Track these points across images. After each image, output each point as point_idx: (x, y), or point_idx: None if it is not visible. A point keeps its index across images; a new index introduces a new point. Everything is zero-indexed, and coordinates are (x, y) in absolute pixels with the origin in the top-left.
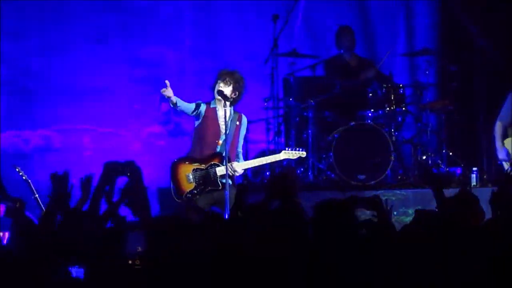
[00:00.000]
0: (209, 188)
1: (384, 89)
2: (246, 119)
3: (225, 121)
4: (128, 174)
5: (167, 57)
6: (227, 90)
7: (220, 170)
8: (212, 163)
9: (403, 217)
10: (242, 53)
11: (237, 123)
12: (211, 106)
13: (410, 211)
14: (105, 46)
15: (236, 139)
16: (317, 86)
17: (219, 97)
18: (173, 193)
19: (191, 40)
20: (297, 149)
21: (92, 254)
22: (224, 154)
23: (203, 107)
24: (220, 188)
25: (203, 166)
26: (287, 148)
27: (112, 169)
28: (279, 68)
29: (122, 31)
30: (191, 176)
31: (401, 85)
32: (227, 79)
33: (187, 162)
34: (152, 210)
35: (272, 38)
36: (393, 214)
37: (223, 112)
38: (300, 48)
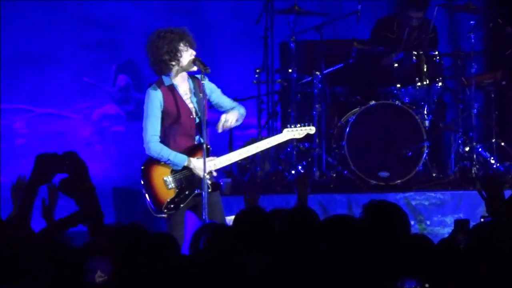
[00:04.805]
0: (196, 192)
1: (414, 58)
2: (206, 78)
3: (203, 98)
4: (67, 169)
5: (130, 15)
6: (192, 56)
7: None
8: (196, 158)
9: (438, 228)
10: (228, 10)
11: (200, 94)
12: (166, 84)
13: (449, 220)
14: (47, 2)
15: (205, 115)
16: (325, 53)
17: (195, 68)
18: (150, 207)
19: None
20: (303, 124)
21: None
22: (204, 143)
23: (158, 94)
24: (210, 190)
25: None
26: (289, 126)
27: (47, 164)
28: (276, 30)
29: None
30: (170, 180)
31: (437, 53)
32: (188, 41)
33: (162, 162)
34: (105, 216)
35: None
36: (426, 224)
37: (186, 85)
38: (303, 2)
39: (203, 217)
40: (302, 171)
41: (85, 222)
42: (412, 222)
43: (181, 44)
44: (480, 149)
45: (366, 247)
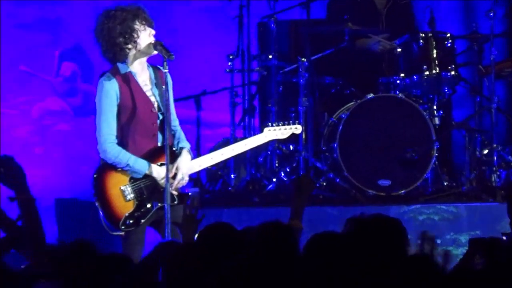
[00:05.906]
0: (160, 205)
1: (421, 41)
2: (167, 68)
3: (167, 88)
4: (1, 177)
5: None
6: (152, 36)
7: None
8: (159, 163)
9: (451, 247)
10: None
11: (163, 86)
12: (122, 72)
13: (463, 238)
14: None
15: (169, 111)
16: (313, 36)
17: (156, 52)
18: (104, 223)
19: None
20: (287, 122)
21: None
22: (172, 147)
23: (114, 84)
24: (176, 202)
25: None
26: (271, 124)
27: None
28: (252, 8)
29: None
30: (128, 190)
31: (449, 35)
32: (144, 18)
33: (119, 168)
34: (47, 233)
35: None
36: (436, 242)
37: (146, 75)
38: None
39: (166, 235)
40: (305, 172)
41: (19, 246)
42: (418, 241)
43: (137, 23)
44: (501, 152)
45: (351, 270)
